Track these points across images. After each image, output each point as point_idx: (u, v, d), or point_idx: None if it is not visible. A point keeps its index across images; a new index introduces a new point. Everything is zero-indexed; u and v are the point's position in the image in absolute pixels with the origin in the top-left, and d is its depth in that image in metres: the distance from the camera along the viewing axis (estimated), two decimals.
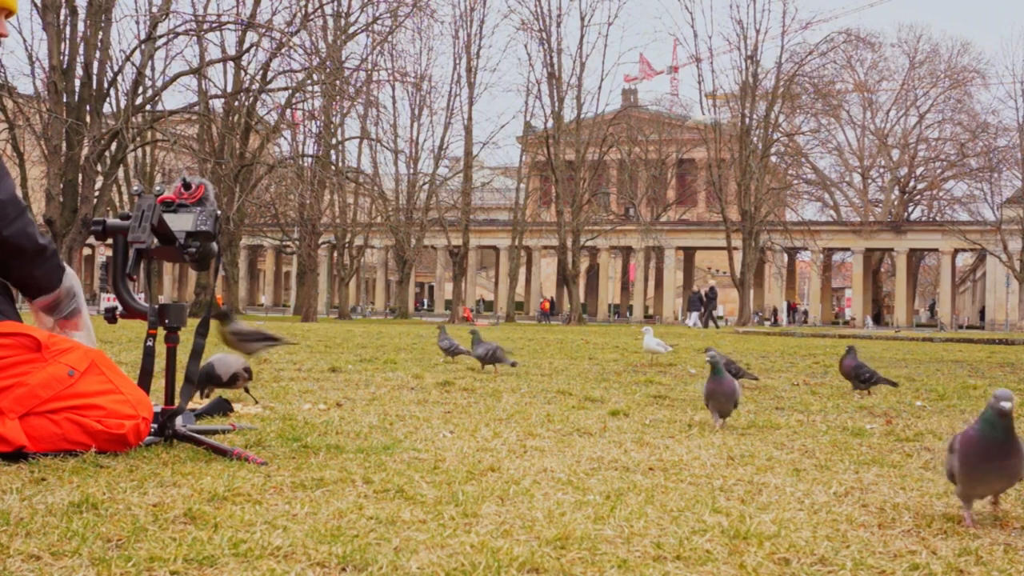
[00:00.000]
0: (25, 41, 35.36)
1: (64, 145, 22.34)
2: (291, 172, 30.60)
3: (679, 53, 54.75)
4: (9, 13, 2.69)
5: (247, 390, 3.77)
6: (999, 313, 44.66)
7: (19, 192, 2.64)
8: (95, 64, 23.00)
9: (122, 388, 2.59)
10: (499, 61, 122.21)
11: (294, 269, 46.47)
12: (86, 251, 41.46)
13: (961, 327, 47.51)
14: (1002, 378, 6.88)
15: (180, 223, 2.72)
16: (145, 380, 2.78)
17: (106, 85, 23.69)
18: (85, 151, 22.72)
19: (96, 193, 23.50)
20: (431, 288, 63.69)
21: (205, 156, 26.53)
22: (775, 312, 46.84)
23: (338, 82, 27.27)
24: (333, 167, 30.22)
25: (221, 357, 3.49)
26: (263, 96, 27.97)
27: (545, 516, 1.94)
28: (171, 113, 26.42)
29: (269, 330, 3.94)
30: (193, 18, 25.91)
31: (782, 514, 2.02)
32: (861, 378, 4.76)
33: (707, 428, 3.50)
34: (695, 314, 32.29)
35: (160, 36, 24.62)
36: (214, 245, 2.78)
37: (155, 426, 2.70)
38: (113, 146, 23.81)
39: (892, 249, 48.22)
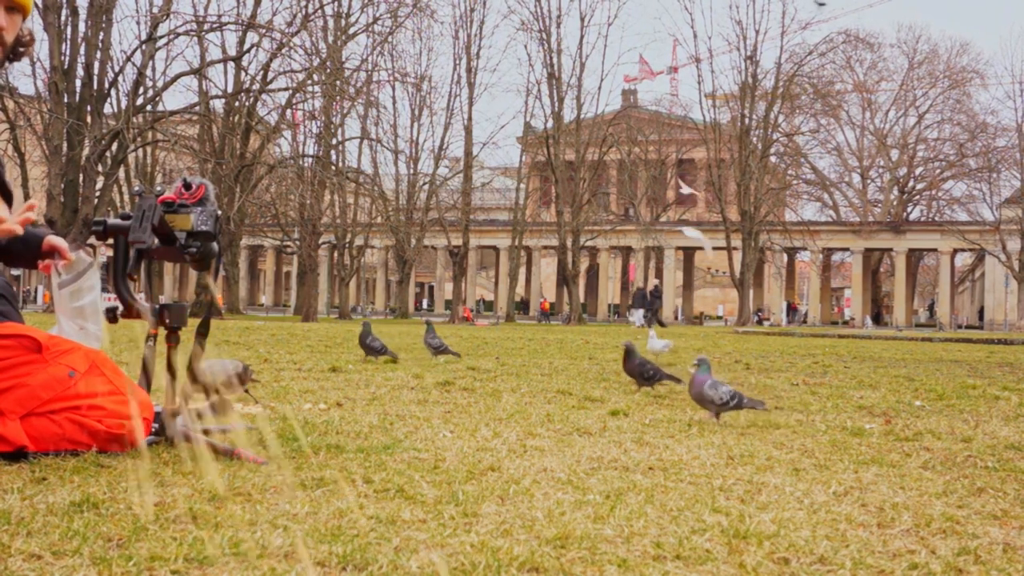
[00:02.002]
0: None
1: (65, 145, 22.36)
2: (291, 172, 30.63)
3: (679, 53, 54.84)
4: (24, 12, 2.65)
5: (247, 390, 3.77)
6: (998, 313, 44.66)
7: None
8: (96, 64, 23.02)
9: (122, 388, 2.59)
10: (499, 61, 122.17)
11: (294, 269, 46.47)
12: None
13: (960, 327, 47.51)
14: (1001, 377, 6.88)
15: (180, 223, 2.72)
16: (146, 380, 2.79)
17: (107, 85, 23.71)
18: (86, 151, 22.75)
19: (97, 193, 23.54)
20: (431, 288, 63.70)
21: (205, 156, 26.54)
22: (759, 312, 46.52)
23: (338, 82, 27.30)
24: (333, 167, 30.24)
25: (213, 362, 3.49)
26: (263, 96, 28.00)
27: (545, 516, 1.94)
28: (172, 113, 26.45)
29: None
30: (194, 18, 25.94)
31: (781, 514, 2.02)
32: (645, 375, 4.74)
33: (707, 428, 3.51)
34: (639, 312, 31.55)
35: (161, 36, 24.65)
36: (215, 245, 2.78)
37: (156, 426, 2.70)
38: (114, 146, 23.84)
39: (891, 249, 48.21)
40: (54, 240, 2.71)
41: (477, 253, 52.22)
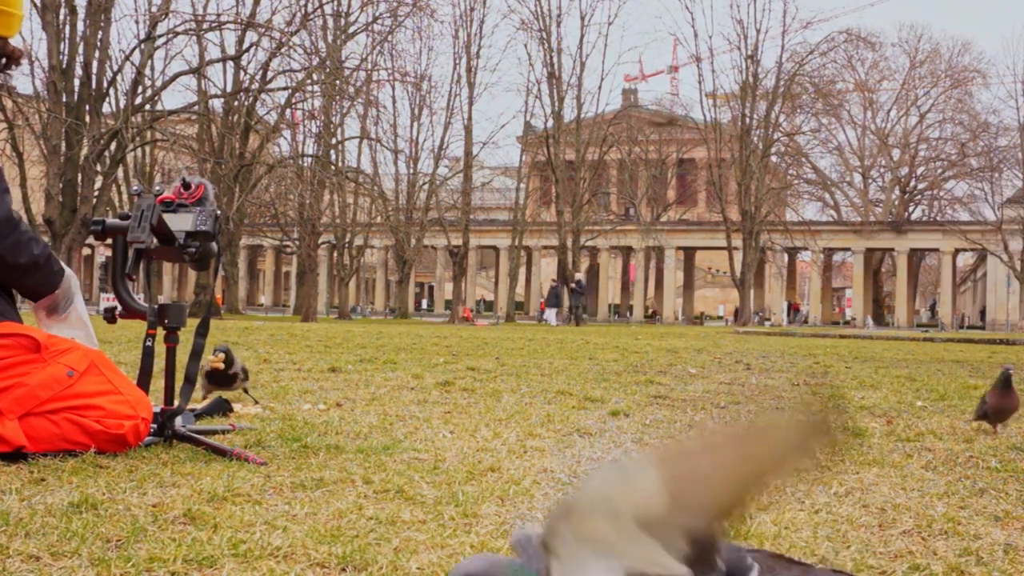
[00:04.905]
0: (24, 41, 35.37)
1: (63, 145, 22.35)
2: (291, 172, 30.62)
3: (679, 53, 54.82)
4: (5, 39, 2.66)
5: (246, 390, 3.77)
6: (1000, 313, 44.66)
7: (14, 209, 2.63)
8: (94, 64, 23.00)
9: (121, 388, 2.59)
10: (499, 61, 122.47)
11: (294, 269, 46.46)
12: (85, 251, 41.50)
13: (962, 327, 47.51)
14: None
15: (180, 223, 2.72)
16: (144, 380, 2.78)
17: (105, 85, 23.70)
18: (84, 151, 22.73)
19: (95, 193, 23.52)
20: (431, 288, 63.68)
21: (205, 156, 26.54)
22: (736, 312, 46.02)
23: (338, 82, 27.30)
24: (333, 167, 30.23)
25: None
26: (263, 96, 27.99)
27: (545, 516, 1.93)
28: (170, 113, 26.44)
29: None
30: (192, 18, 25.94)
31: (782, 515, 2.02)
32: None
33: (707, 428, 3.49)
34: (553, 311, 30.09)
35: (159, 36, 24.65)
36: (214, 245, 2.78)
37: (154, 426, 2.70)
38: (112, 146, 23.82)
39: (893, 249, 48.20)
40: None
41: (477, 253, 52.20)
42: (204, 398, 3.51)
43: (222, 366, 3.45)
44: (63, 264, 2.79)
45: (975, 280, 59.99)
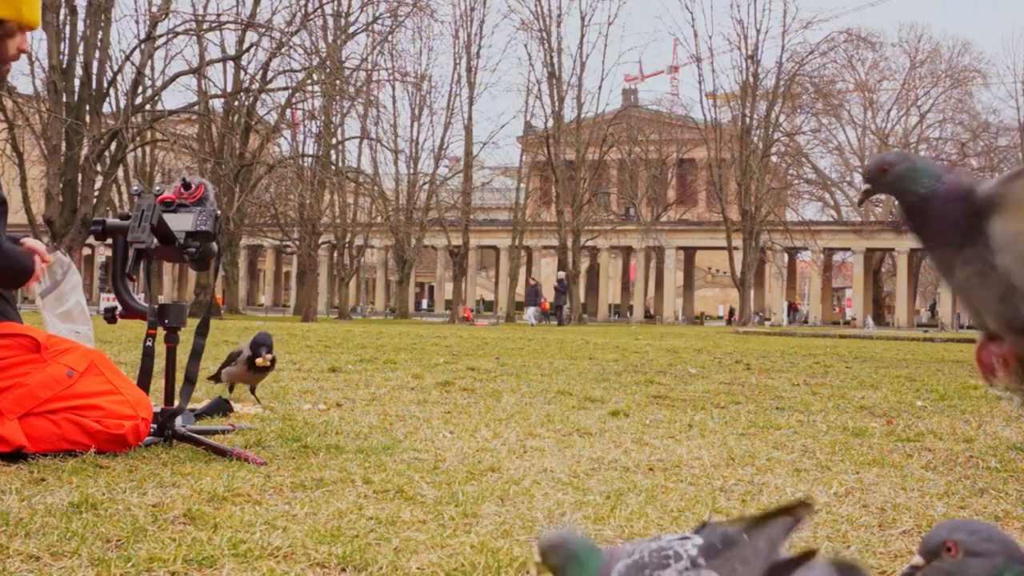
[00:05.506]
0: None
1: (63, 145, 22.36)
2: (291, 172, 30.62)
3: (679, 53, 54.82)
4: (31, 28, 2.65)
5: (252, 391, 3.77)
6: None
7: None
8: (95, 64, 23.01)
9: (121, 388, 2.59)
10: (499, 61, 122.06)
11: (294, 269, 46.45)
12: (85, 251, 41.48)
13: (962, 327, 47.50)
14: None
15: (180, 223, 2.72)
16: (145, 380, 2.78)
17: (106, 85, 23.71)
18: (84, 151, 22.74)
19: (96, 193, 23.52)
20: (431, 288, 63.68)
21: (205, 156, 26.51)
22: (731, 312, 45.88)
23: (338, 82, 27.31)
24: (333, 167, 30.23)
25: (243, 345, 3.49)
26: (263, 96, 27.98)
27: (545, 516, 1.94)
28: (171, 113, 26.43)
29: None
30: (193, 18, 25.93)
31: None
32: None
33: (707, 429, 3.50)
34: (533, 309, 29.58)
35: (160, 36, 24.66)
36: (214, 245, 2.78)
37: (155, 426, 2.70)
38: (113, 146, 23.83)
39: (893, 249, 48.20)
40: (31, 243, 2.69)
41: (477, 253, 52.18)
42: (222, 381, 3.47)
43: (269, 364, 3.36)
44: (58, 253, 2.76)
45: None
